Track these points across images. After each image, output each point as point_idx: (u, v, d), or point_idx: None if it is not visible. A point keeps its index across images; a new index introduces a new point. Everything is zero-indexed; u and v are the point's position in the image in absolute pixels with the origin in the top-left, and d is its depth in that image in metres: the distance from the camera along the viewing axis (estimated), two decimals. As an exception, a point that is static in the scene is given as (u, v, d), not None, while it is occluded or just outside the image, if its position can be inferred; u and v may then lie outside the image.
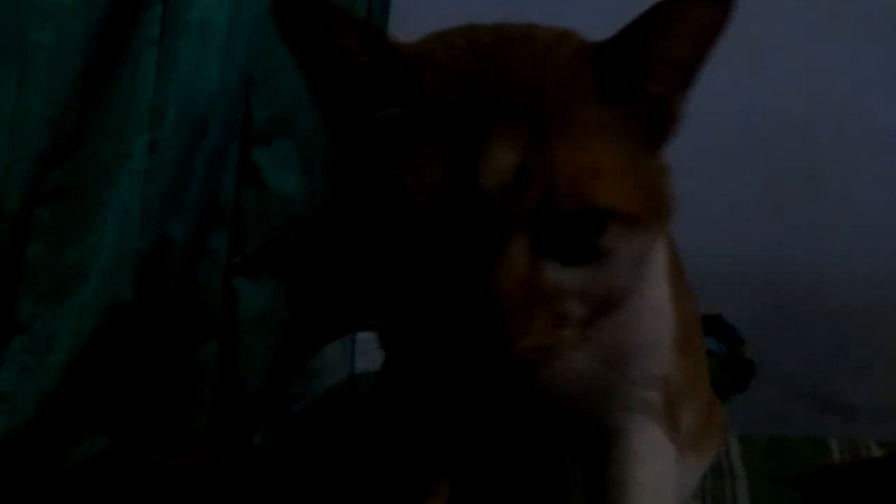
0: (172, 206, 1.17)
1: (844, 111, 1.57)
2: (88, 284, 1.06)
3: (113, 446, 1.14)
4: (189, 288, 1.27)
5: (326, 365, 1.17)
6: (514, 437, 0.73)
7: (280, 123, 1.34)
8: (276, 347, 1.38)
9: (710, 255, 1.42)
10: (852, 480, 1.22)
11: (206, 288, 1.31)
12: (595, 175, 0.49)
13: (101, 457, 1.12)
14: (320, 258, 1.42)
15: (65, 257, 1.04)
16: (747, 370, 1.49)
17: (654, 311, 0.64)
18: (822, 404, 1.61)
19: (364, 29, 0.53)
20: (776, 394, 1.57)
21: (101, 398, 1.12)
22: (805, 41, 1.49)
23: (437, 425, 0.71)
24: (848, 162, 1.59)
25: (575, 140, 0.49)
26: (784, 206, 1.60)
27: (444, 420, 0.71)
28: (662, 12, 0.51)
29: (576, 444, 0.70)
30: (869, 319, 1.59)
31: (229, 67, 1.23)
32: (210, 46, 1.18)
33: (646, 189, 0.52)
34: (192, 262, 1.26)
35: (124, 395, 1.16)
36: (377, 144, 0.52)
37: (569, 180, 0.48)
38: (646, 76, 0.53)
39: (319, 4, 0.53)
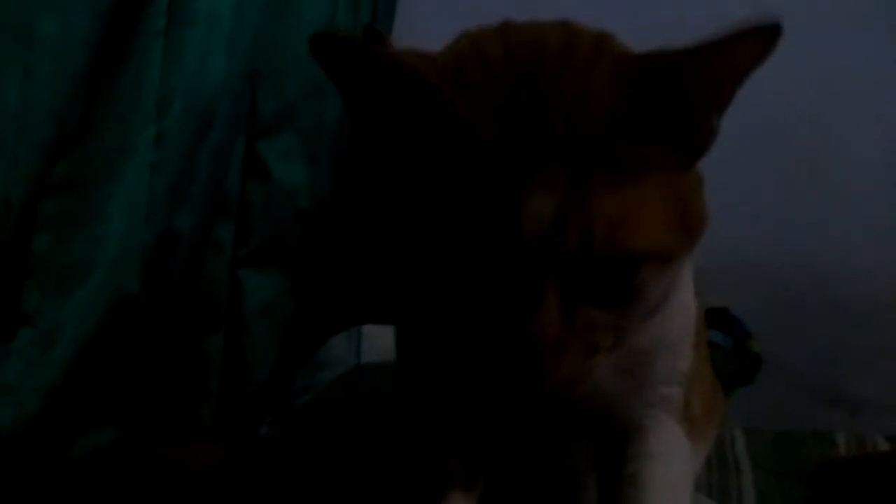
0: (178, 198, 1.17)
1: (851, 105, 1.56)
2: (94, 277, 1.05)
3: (119, 438, 1.15)
4: (195, 280, 1.27)
5: (332, 357, 1.17)
6: (532, 436, 0.73)
7: (286, 116, 1.34)
8: (281, 339, 1.38)
9: (716, 248, 1.41)
10: (858, 474, 1.22)
11: (212, 280, 1.31)
12: (632, 221, 0.49)
13: (108, 449, 1.12)
14: (326, 250, 1.42)
15: (71, 250, 1.04)
16: (753, 363, 1.48)
17: (682, 310, 0.64)
18: (828, 398, 1.61)
19: (397, 67, 0.51)
20: (782, 387, 1.57)
21: (107, 390, 1.12)
22: (813, 35, 1.49)
23: (455, 424, 0.70)
24: (855, 155, 1.58)
25: (614, 183, 0.48)
26: (791, 199, 1.60)
27: (462, 420, 0.70)
28: (719, 46, 0.49)
29: (592, 442, 0.69)
30: (875, 313, 1.58)
31: (235, 60, 1.22)
32: (216, 38, 1.18)
33: (681, 217, 0.52)
34: (198, 254, 1.26)
35: (130, 388, 1.16)
36: (416, 171, 0.52)
37: (606, 228, 0.48)
38: (692, 106, 0.52)
39: (353, 47, 0.52)
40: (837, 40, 1.53)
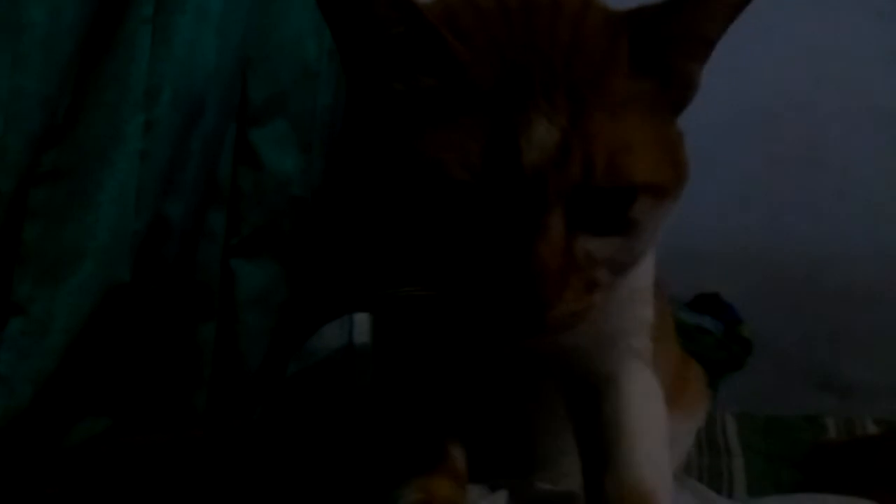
0: (169, 186, 1.16)
1: (844, 90, 1.57)
2: (85, 265, 1.05)
3: (113, 427, 1.15)
4: (187, 269, 1.27)
5: (324, 345, 1.17)
6: (506, 398, 0.74)
7: (277, 103, 1.34)
8: (274, 327, 1.38)
9: (708, 234, 1.42)
10: (848, 458, 1.23)
11: (205, 268, 1.31)
12: (630, 151, 0.50)
13: (102, 437, 1.12)
14: (318, 238, 1.42)
15: (61, 238, 1.04)
16: (744, 348, 1.49)
17: (648, 261, 0.65)
18: (818, 382, 1.62)
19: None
20: (773, 372, 1.58)
21: (100, 379, 1.12)
22: (805, 20, 1.49)
23: (433, 388, 0.72)
24: (847, 140, 1.59)
25: (611, 115, 0.50)
26: (783, 184, 1.60)
27: (439, 395, 0.72)
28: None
29: (567, 398, 0.70)
30: (866, 298, 1.59)
31: (226, 47, 1.22)
32: (206, 25, 1.17)
33: (669, 158, 0.54)
34: (190, 242, 1.26)
35: (123, 376, 1.16)
36: (410, 115, 0.52)
37: (606, 157, 0.49)
38: (677, 50, 0.54)
39: None
40: (832, 27, 1.53)
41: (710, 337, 1.48)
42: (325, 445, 0.96)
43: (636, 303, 0.66)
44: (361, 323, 1.13)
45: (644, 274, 0.66)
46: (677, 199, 0.55)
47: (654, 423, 0.67)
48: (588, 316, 0.53)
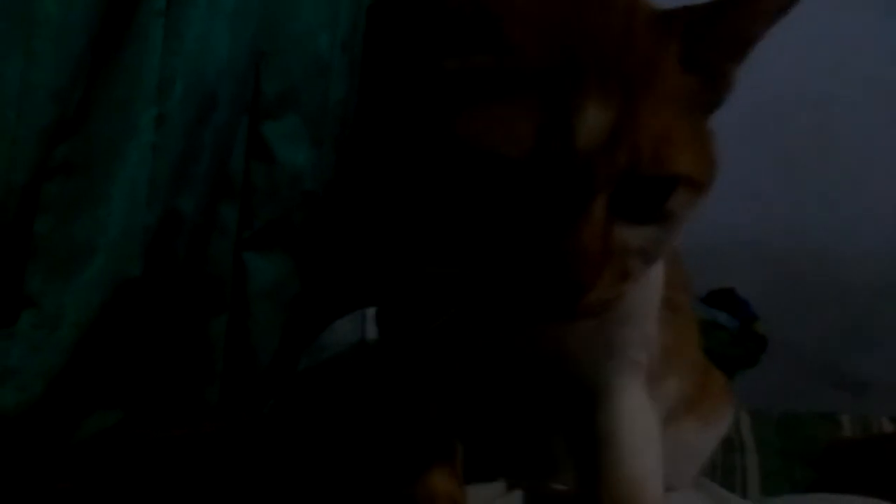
0: (181, 180, 1.16)
1: (860, 86, 1.56)
2: (97, 259, 1.05)
3: (124, 420, 1.15)
4: (199, 262, 1.27)
5: (336, 340, 1.17)
6: (523, 396, 0.74)
7: (289, 97, 1.34)
8: (286, 321, 1.38)
9: (724, 230, 1.41)
10: (863, 456, 1.22)
11: (217, 262, 1.31)
12: (673, 143, 0.51)
13: (113, 431, 1.12)
14: (330, 232, 1.42)
15: (73, 232, 1.04)
16: (759, 345, 1.49)
17: (654, 278, 0.66)
18: (833, 380, 1.61)
19: None
20: (788, 369, 1.57)
21: (111, 373, 1.12)
22: (822, 15, 1.48)
23: (436, 390, 0.72)
24: (863, 137, 1.58)
25: (658, 107, 0.51)
26: (798, 180, 1.59)
27: (441, 394, 0.72)
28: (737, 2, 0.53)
29: (563, 407, 0.71)
30: (882, 295, 1.59)
31: (238, 40, 1.22)
32: (218, 19, 1.17)
33: (704, 154, 0.55)
34: (202, 236, 1.26)
35: (135, 370, 1.16)
36: (459, 93, 0.51)
37: (652, 146, 0.50)
38: (724, 51, 0.55)
39: None
40: (847, 23, 1.52)
41: (724, 333, 1.47)
42: (336, 440, 0.96)
43: (641, 318, 0.66)
44: (373, 318, 1.13)
45: (652, 287, 0.66)
46: (706, 196, 0.56)
47: (645, 441, 0.68)
48: (614, 305, 0.54)
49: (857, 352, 1.61)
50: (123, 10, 1.06)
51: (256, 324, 1.36)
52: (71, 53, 1.02)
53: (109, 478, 1.01)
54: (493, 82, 0.51)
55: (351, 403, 1.01)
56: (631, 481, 0.65)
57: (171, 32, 1.09)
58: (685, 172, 0.52)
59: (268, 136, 1.33)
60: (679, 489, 0.81)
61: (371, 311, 1.17)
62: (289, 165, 1.35)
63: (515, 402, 0.74)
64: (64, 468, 1.02)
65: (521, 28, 0.51)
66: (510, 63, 0.50)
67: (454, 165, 0.51)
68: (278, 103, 1.33)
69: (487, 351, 0.67)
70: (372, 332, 1.13)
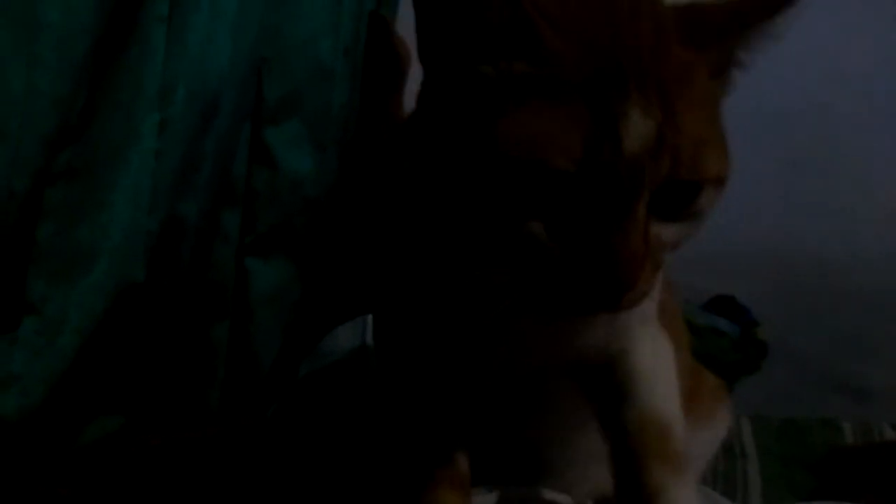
0: (183, 186, 1.17)
1: (860, 93, 1.56)
2: (99, 265, 1.05)
3: (126, 426, 1.15)
4: (201, 268, 1.27)
5: (337, 346, 1.17)
6: (516, 403, 0.75)
7: (292, 103, 1.34)
8: (288, 326, 1.38)
9: (724, 236, 1.40)
10: (864, 462, 1.22)
11: (219, 268, 1.31)
12: (706, 145, 0.53)
13: (115, 436, 1.12)
14: (332, 238, 1.42)
15: (75, 238, 1.04)
16: (760, 351, 1.49)
17: None
18: (834, 386, 1.61)
19: None
20: (789, 375, 1.57)
21: (113, 378, 1.12)
22: (821, 21, 1.47)
23: (439, 394, 0.72)
24: (863, 143, 1.58)
25: (693, 110, 0.52)
26: (799, 187, 1.60)
27: (446, 387, 0.72)
28: None
29: (581, 380, 0.72)
30: (883, 301, 1.58)
31: (240, 46, 1.22)
32: (221, 24, 1.17)
33: (726, 151, 0.56)
34: (204, 242, 1.26)
35: (137, 375, 1.16)
36: (497, 100, 0.52)
37: (690, 150, 0.51)
38: (746, 50, 0.57)
39: None
40: (847, 28, 1.52)
41: (725, 339, 1.47)
42: (338, 447, 0.96)
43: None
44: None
45: None
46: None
47: (666, 370, 0.71)
48: (651, 292, 0.56)
49: (858, 358, 1.61)
50: (126, 16, 1.06)
51: (258, 329, 1.36)
52: (73, 59, 1.02)
53: (111, 483, 1.01)
54: (530, 90, 0.51)
55: (353, 410, 1.01)
56: (655, 403, 0.68)
57: (173, 38, 1.09)
58: (716, 174, 0.53)
59: (270, 141, 1.33)
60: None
61: (372, 317, 1.17)
62: (291, 171, 1.35)
63: (526, 405, 0.74)
64: (66, 473, 1.02)
65: (559, 35, 0.51)
66: (551, 71, 0.51)
67: (501, 171, 0.51)
68: (280, 109, 1.33)
69: (497, 351, 0.67)
70: (373, 338, 1.13)
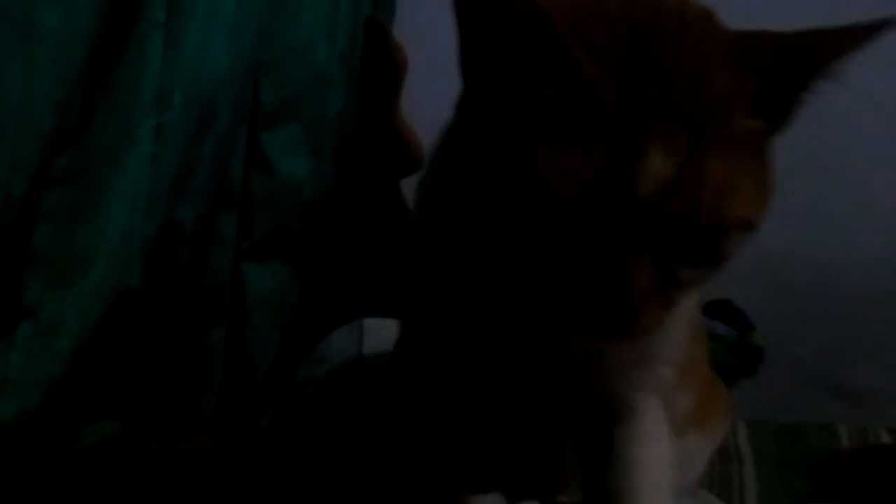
0: (180, 190, 1.16)
1: (859, 97, 1.56)
2: (95, 269, 1.05)
3: (123, 430, 1.15)
4: (198, 272, 1.27)
5: (333, 351, 1.17)
6: (535, 414, 0.74)
7: (288, 108, 1.34)
8: (284, 331, 1.38)
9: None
10: (860, 466, 1.22)
11: (215, 272, 1.31)
12: (736, 191, 0.50)
13: (112, 441, 1.12)
14: (329, 242, 1.42)
15: (72, 242, 1.04)
16: (756, 355, 1.49)
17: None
18: (831, 390, 1.61)
19: (535, 9, 0.50)
20: (785, 379, 1.57)
21: (110, 383, 1.12)
22: (815, 20, 1.48)
23: (456, 422, 0.72)
24: (860, 148, 1.58)
25: (725, 154, 0.50)
26: (794, 189, 1.58)
27: (463, 416, 0.72)
28: (835, 34, 0.53)
29: (579, 424, 0.71)
30: (880, 305, 1.58)
31: (237, 50, 1.22)
32: (217, 29, 1.17)
33: (764, 194, 0.54)
34: (201, 246, 1.26)
35: (133, 380, 1.16)
36: (524, 124, 0.51)
37: (714, 196, 0.49)
38: (802, 87, 0.55)
39: None
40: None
41: (721, 343, 1.47)
42: (335, 453, 0.96)
43: (675, 334, 0.67)
44: (371, 329, 1.13)
45: (689, 307, 0.67)
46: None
47: (661, 465, 0.68)
48: (661, 326, 0.55)
49: (854, 362, 1.61)
50: (123, 21, 1.06)
51: (254, 333, 1.36)
52: (71, 64, 1.02)
53: (108, 488, 1.01)
54: (557, 115, 0.50)
55: (350, 415, 1.01)
56: None
57: (170, 43, 1.09)
58: (743, 217, 0.51)
59: (267, 146, 1.33)
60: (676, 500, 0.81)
61: (368, 322, 1.17)
62: (288, 175, 1.35)
63: (532, 418, 0.74)
64: (62, 478, 1.02)
65: (596, 60, 0.49)
66: (576, 98, 0.49)
67: (517, 194, 0.50)
68: (277, 114, 1.33)
69: (513, 365, 0.67)
70: (369, 342, 1.13)
